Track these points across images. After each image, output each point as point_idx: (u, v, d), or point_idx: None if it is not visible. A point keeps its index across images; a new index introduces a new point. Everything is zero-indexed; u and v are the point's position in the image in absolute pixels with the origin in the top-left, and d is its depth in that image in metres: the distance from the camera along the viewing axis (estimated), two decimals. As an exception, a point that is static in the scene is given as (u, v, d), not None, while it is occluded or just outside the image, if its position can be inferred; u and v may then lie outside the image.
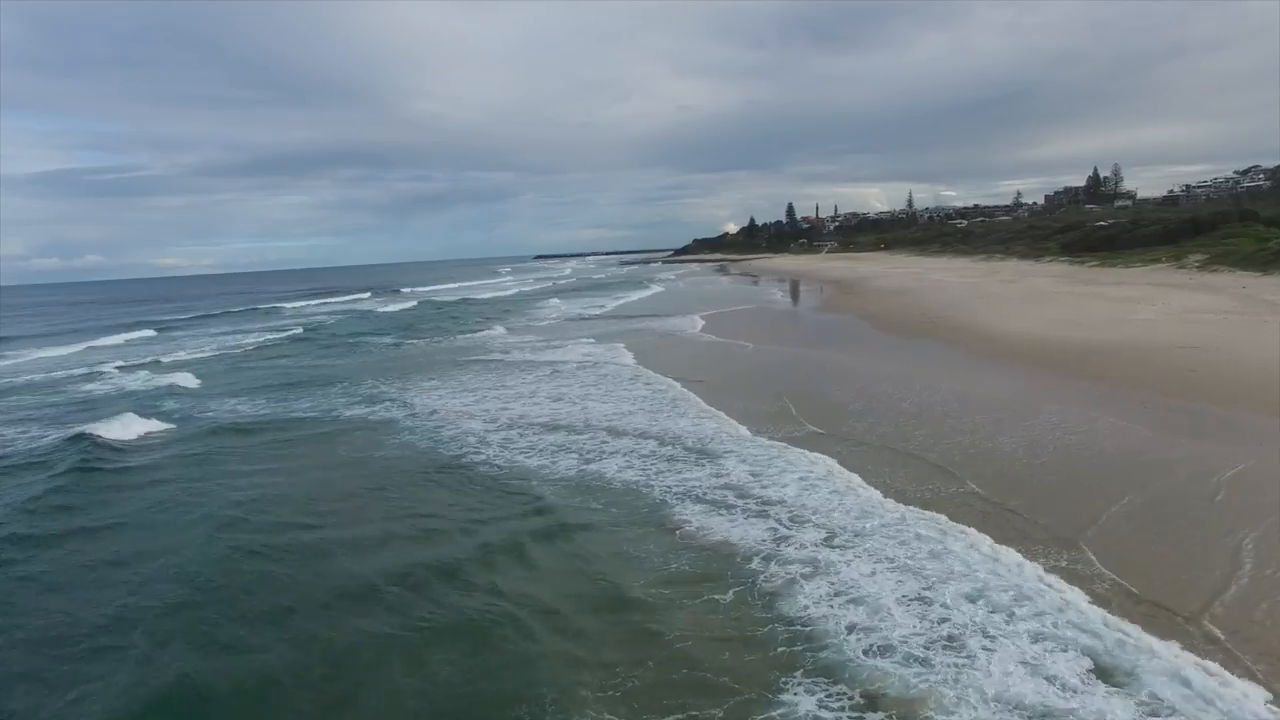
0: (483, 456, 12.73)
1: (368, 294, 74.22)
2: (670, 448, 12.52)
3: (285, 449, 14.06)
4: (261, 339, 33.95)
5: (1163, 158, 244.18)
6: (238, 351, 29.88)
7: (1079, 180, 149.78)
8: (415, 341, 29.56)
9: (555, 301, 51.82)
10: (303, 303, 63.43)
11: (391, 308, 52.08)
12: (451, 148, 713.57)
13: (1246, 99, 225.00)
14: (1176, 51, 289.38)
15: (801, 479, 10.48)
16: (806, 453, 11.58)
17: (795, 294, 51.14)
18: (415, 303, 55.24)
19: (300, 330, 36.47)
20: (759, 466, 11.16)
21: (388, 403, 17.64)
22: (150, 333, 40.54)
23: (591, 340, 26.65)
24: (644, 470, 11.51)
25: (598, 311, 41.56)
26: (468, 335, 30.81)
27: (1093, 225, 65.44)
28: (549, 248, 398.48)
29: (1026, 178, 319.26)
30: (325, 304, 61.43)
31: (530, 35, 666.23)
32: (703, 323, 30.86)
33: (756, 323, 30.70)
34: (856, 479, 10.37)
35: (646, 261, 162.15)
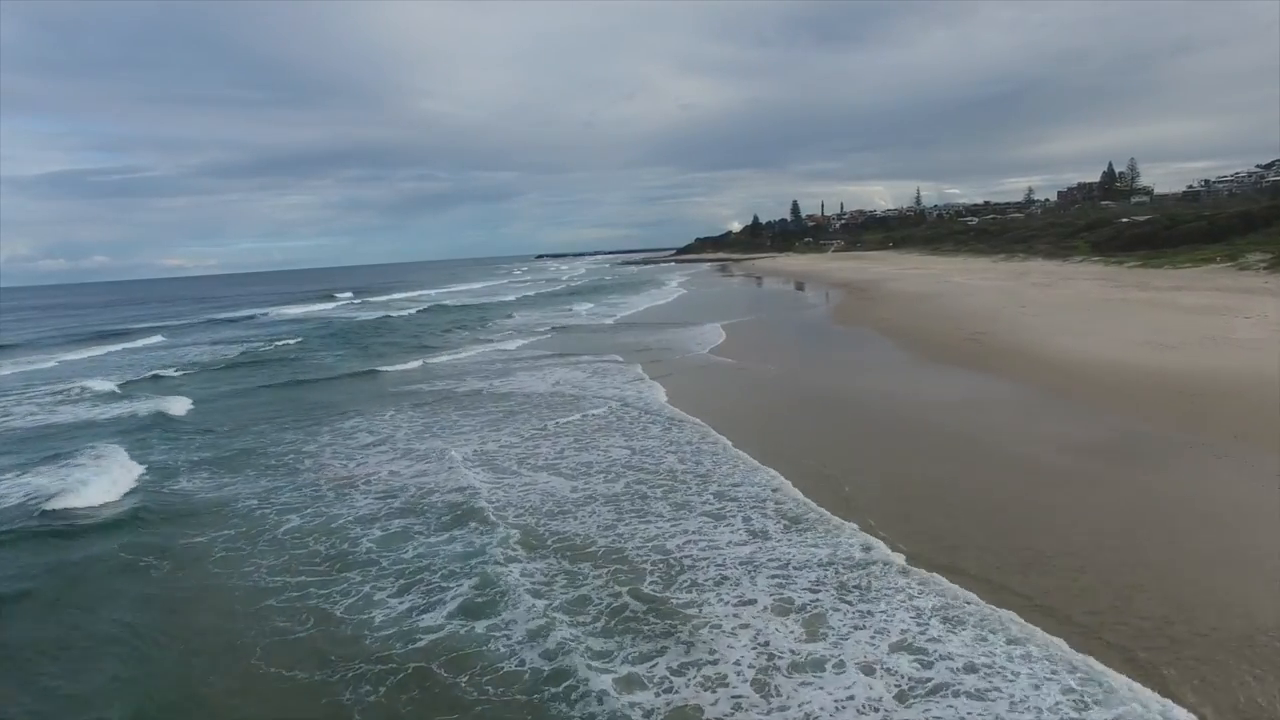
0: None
1: (357, 298, 69.96)
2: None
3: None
4: (194, 357, 29.77)
5: (1170, 154, 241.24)
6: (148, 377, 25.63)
7: (1084, 177, 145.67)
8: (437, 353, 25.46)
9: (531, 313, 47.54)
10: (271, 310, 59.23)
11: (404, 312, 47.86)
12: (455, 147, 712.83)
13: (1254, 95, 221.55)
14: (1183, 48, 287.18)
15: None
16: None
17: (804, 301, 46.81)
18: (415, 309, 50.89)
19: (238, 353, 32.10)
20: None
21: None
22: (50, 364, 36.25)
23: (614, 360, 22.60)
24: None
25: (608, 322, 37.40)
26: (463, 350, 26.74)
27: (1123, 222, 60.88)
28: (553, 247, 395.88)
29: (1032, 175, 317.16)
30: (311, 310, 57.03)
31: (534, 35, 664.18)
32: (716, 341, 26.62)
33: (770, 342, 26.31)
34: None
35: (646, 262, 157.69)
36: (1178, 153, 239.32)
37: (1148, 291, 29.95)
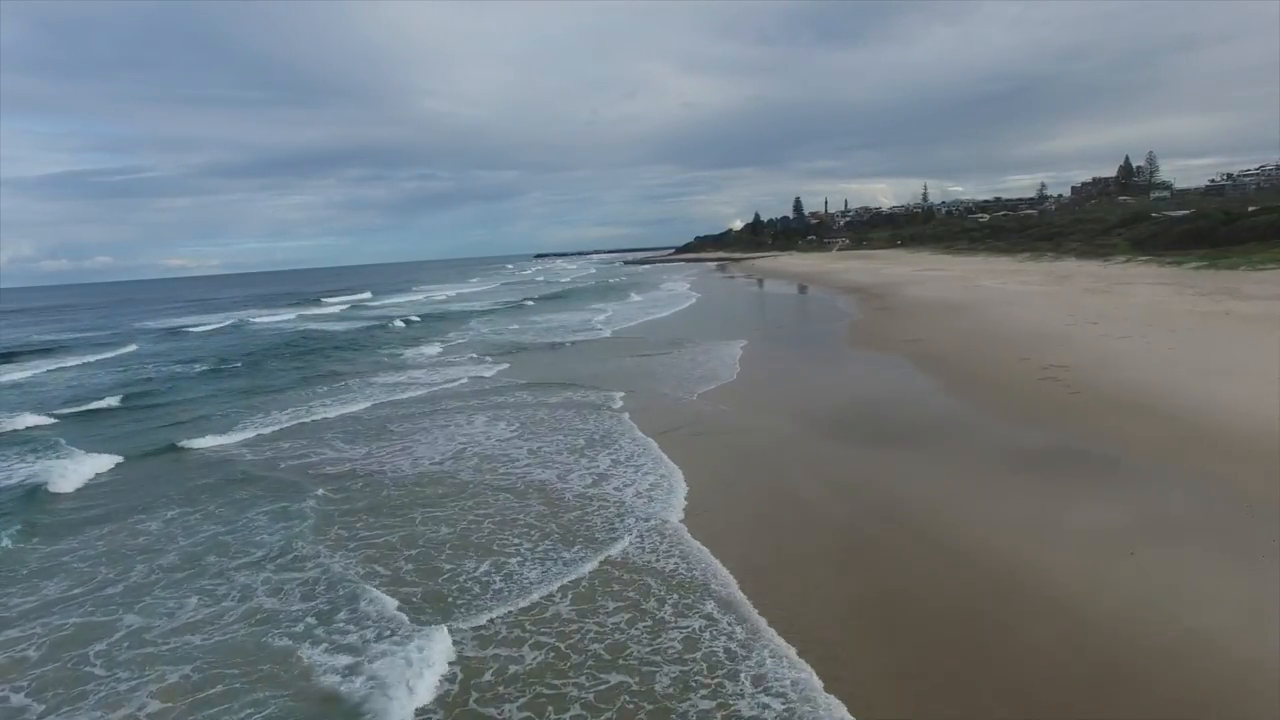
0: None
1: (346, 304, 63.72)
2: None
3: None
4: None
5: (1174, 151, 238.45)
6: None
7: (1088, 174, 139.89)
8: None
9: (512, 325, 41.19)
10: (214, 316, 53.00)
11: (350, 325, 41.56)
12: (457, 147, 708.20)
13: (1258, 91, 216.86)
14: (1187, 44, 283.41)
15: None
16: None
17: (811, 312, 40.59)
18: (415, 316, 44.61)
19: (111, 384, 25.77)
20: None
21: None
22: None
23: (589, 397, 16.29)
24: None
25: (587, 337, 31.08)
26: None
27: (1166, 216, 54.45)
28: (555, 246, 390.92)
29: (1035, 173, 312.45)
30: (254, 318, 50.74)
31: (535, 33, 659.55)
32: (709, 384, 20.32)
33: (776, 380, 20.07)
34: None
35: (644, 261, 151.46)
36: (1182, 149, 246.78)
37: (1248, 301, 23.54)
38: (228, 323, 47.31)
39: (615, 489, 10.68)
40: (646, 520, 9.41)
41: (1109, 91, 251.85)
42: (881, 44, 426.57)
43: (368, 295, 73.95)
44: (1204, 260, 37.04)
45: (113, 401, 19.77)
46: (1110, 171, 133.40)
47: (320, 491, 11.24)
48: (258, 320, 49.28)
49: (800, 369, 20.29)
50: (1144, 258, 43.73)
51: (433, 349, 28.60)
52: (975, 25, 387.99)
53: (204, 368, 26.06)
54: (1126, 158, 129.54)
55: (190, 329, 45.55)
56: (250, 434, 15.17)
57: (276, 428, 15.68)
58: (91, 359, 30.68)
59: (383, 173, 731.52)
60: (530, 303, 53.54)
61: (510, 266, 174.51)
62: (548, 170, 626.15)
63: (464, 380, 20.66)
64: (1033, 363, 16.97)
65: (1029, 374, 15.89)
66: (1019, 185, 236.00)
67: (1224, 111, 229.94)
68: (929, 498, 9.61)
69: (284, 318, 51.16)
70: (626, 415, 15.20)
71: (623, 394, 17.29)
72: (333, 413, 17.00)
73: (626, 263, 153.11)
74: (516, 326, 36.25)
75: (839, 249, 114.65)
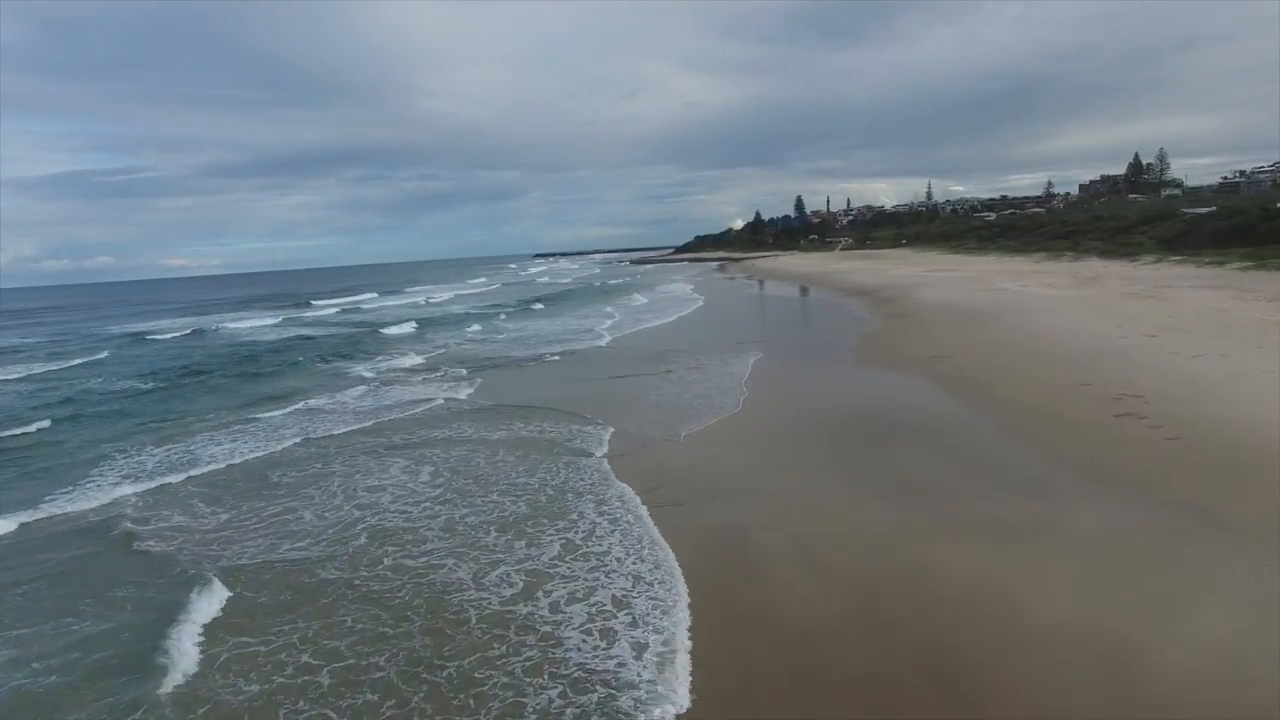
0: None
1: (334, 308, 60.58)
2: None
3: None
4: None
5: (1176, 150, 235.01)
6: None
7: (1089, 174, 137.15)
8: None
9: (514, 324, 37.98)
10: (178, 322, 49.88)
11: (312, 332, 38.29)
12: (458, 146, 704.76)
13: (1259, 90, 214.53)
14: (1188, 43, 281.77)
15: None
16: None
17: (815, 318, 37.55)
18: (413, 327, 41.45)
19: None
20: None
21: None
22: None
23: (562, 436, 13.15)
24: None
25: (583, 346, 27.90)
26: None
27: (1195, 213, 51.17)
28: (555, 246, 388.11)
29: (1036, 172, 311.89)
30: (257, 322, 47.58)
31: (536, 33, 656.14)
32: (694, 424, 17.19)
33: (786, 428, 16.96)
34: None
35: (646, 261, 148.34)
36: (1184, 149, 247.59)
37: (1326, 310, 20.37)
38: (192, 330, 44.08)
39: (561, 615, 6.99)
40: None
41: (1110, 91, 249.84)
42: (882, 43, 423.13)
43: (362, 298, 70.68)
44: (1248, 260, 33.83)
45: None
46: (1114, 170, 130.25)
47: (122, 593, 8.06)
48: (233, 325, 46.05)
49: (812, 398, 16.89)
50: (1176, 257, 40.53)
51: (407, 360, 25.45)
52: (976, 25, 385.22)
53: (131, 384, 22.92)
54: (1136, 155, 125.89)
55: (153, 335, 42.36)
56: (104, 495, 11.69)
57: (142, 486, 12.17)
58: (15, 375, 27.51)
59: (383, 173, 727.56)
60: (528, 306, 50.10)
61: (513, 266, 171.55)
62: (548, 170, 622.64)
63: (422, 405, 17.51)
64: (1097, 390, 13.79)
65: (1098, 407, 12.70)
66: (1020, 185, 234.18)
67: (1225, 111, 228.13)
68: (1035, 630, 6.44)
69: (266, 321, 47.93)
70: (604, 460, 12.04)
71: (603, 427, 14.14)
72: (241, 454, 13.79)
73: (633, 262, 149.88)
74: (504, 335, 32.91)
75: (842, 249, 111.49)
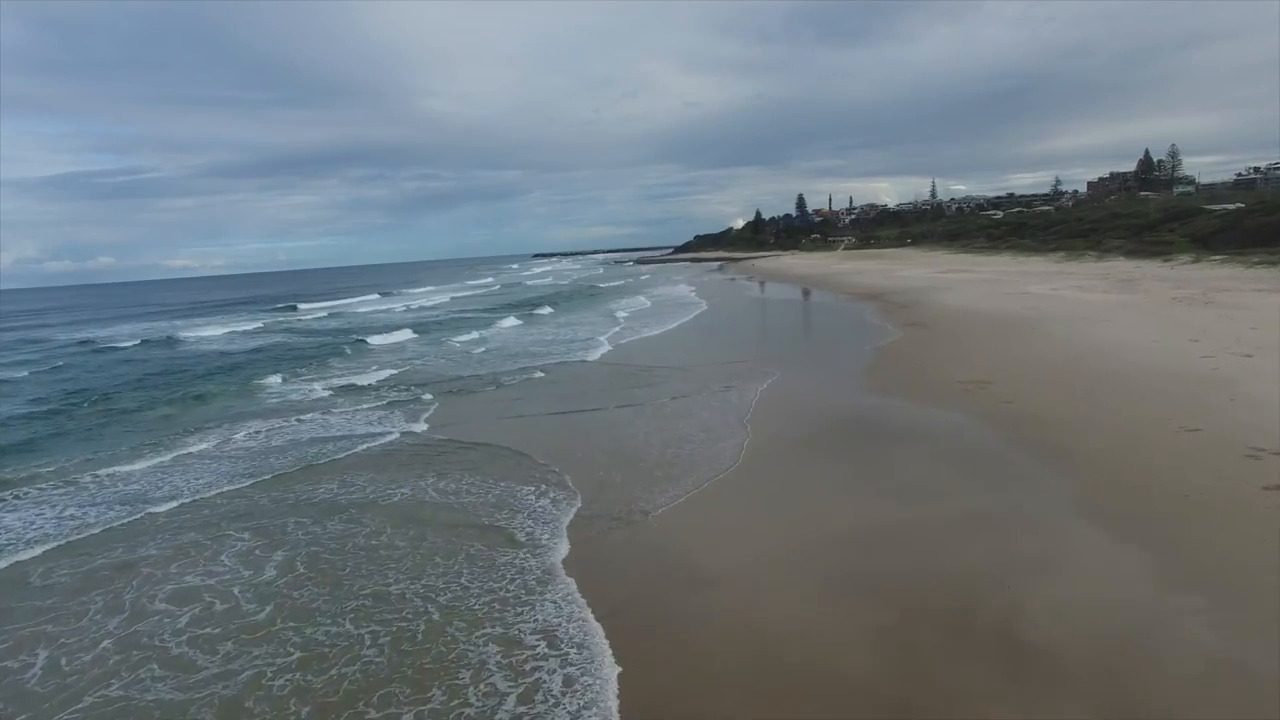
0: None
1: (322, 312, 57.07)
2: None
3: None
4: None
5: (1179, 148, 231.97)
6: None
7: (1089, 173, 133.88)
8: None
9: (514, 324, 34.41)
10: (141, 327, 46.43)
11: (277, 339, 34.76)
12: (459, 146, 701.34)
13: (1262, 89, 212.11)
14: (1191, 41, 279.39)
15: None
16: None
17: (828, 328, 34.15)
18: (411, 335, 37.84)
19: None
20: None
21: None
22: None
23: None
24: None
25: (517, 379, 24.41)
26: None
27: (1231, 209, 47.65)
28: (556, 245, 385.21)
29: (1038, 171, 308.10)
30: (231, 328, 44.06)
31: (537, 33, 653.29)
32: (679, 492, 13.68)
33: (795, 506, 13.49)
34: None
35: (647, 261, 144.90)
36: (1185, 147, 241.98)
37: None
38: (142, 340, 40.51)
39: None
40: None
41: (1112, 89, 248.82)
42: (883, 42, 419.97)
43: (354, 300, 67.28)
44: (1303, 261, 30.41)
45: None
46: (1119, 167, 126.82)
47: None
48: (201, 333, 42.38)
49: (827, 450, 13.51)
50: (1216, 257, 37.06)
51: (372, 377, 22.01)
52: (977, 23, 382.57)
53: (5, 411, 19.50)
54: (1146, 151, 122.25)
55: (102, 345, 38.88)
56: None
57: None
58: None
59: (385, 173, 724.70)
60: (524, 311, 46.33)
61: (514, 266, 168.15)
62: (549, 170, 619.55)
63: (359, 442, 14.12)
64: (1212, 438, 10.32)
65: (1233, 474, 9.19)
66: (1021, 184, 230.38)
67: (1228, 109, 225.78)
68: None
69: (243, 327, 44.39)
70: (554, 554, 8.55)
71: (563, 494, 10.66)
72: (33, 530, 10.24)
73: (636, 262, 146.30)
74: (490, 345, 29.21)
75: (844, 248, 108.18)
